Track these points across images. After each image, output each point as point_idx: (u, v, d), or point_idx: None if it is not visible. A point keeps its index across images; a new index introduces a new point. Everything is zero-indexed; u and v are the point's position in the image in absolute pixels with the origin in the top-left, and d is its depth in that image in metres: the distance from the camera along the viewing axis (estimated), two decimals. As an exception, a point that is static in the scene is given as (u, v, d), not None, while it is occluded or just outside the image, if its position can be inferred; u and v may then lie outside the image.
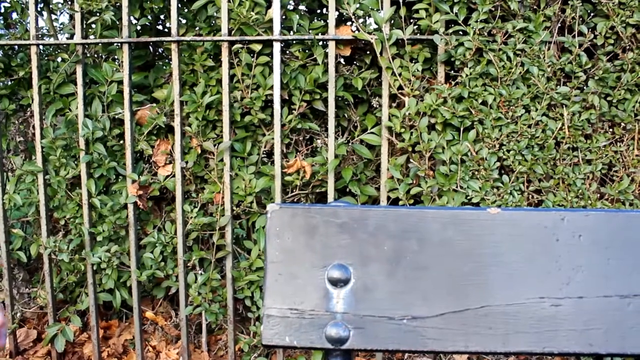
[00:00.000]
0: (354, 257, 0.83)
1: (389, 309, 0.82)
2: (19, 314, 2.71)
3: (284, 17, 2.31)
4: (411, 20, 2.28)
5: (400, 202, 2.22)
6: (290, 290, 0.83)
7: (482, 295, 0.82)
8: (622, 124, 2.15)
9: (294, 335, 0.82)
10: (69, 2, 2.65)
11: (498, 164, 2.15)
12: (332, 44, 2.24)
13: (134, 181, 2.39)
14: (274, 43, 2.25)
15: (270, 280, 0.83)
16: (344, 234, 0.83)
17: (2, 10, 2.61)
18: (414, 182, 2.23)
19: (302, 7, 2.54)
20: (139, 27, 2.57)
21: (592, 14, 2.16)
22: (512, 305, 0.82)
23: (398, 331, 0.81)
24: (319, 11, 2.54)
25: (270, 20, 2.27)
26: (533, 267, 0.83)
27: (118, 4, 2.37)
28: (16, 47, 2.58)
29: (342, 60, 2.43)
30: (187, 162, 2.39)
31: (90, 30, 2.56)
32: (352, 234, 0.83)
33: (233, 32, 2.30)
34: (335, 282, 0.82)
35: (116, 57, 2.59)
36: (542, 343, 0.81)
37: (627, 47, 2.12)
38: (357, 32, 2.23)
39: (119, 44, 2.42)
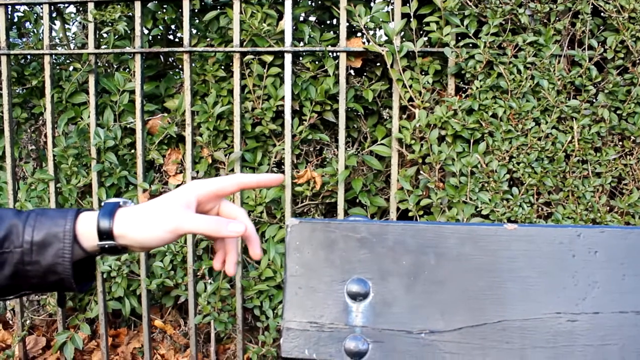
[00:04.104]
0: (373, 271, 0.84)
1: (408, 323, 0.83)
2: (28, 322, 2.72)
3: (295, 28, 2.33)
4: (422, 33, 2.29)
5: (410, 214, 2.23)
6: (310, 304, 0.83)
7: (499, 310, 0.83)
8: (632, 137, 2.16)
9: (313, 348, 0.83)
10: (82, 12, 2.68)
11: (508, 176, 2.16)
12: (343, 56, 2.26)
13: (144, 190, 2.41)
14: (285, 54, 2.27)
15: (290, 293, 0.84)
16: (363, 249, 0.84)
17: (16, 20, 2.64)
18: (424, 193, 2.24)
19: (312, 19, 2.56)
20: (150, 37, 2.59)
21: (602, 28, 2.17)
22: (529, 320, 0.82)
23: (416, 345, 0.82)
24: (329, 22, 2.56)
25: (282, 32, 2.29)
26: (549, 283, 0.84)
27: (130, 14, 2.40)
28: (29, 56, 2.61)
29: (352, 71, 2.45)
30: (197, 172, 2.40)
31: (102, 40, 2.58)
32: (371, 249, 0.84)
33: (245, 43, 2.32)
34: (355, 296, 0.83)
35: (128, 66, 2.62)
36: (559, 358, 0.82)
37: (637, 61, 2.13)
38: (368, 44, 2.25)
39: (131, 54, 2.44)
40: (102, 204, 0.85)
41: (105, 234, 0.82)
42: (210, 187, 0.87)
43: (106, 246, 0.82)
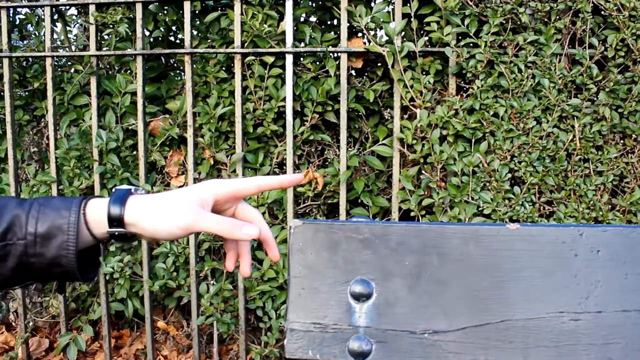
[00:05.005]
0: (375, 272, 0.84)
1: (411, 323, 0.83)
2: (31, 323, 2.73)
3: (296, 29, 2.33)
4: (422, 33, 2.29)
5: (412, 214, 2.23)
6: (313, 305, 0.84)
7: (502, 310, 0.83)
8: (633, 136, 2.16)
9: (316, 349, 0.83)
10: (83, 14, 2.68)
11: (509, 175, 2.16)
12: (344, 56, 2.26)
13: (147, 192, 2.41)
14: (287, 55, 2.27)
15: (293, 294, 0.84)
16: (366, 250, 0.84)
17: (17, 22, 2.65)
18: (426, 193, 2.24)
19: (313, 19, 2.56)
20: (151, 39, 2.60)
21: (602, 27, 2.17)
22: (532, 319, 0.82)
23: (419, 345, 0.82)
24: (329, 23, 2.56)
25: (283, 33, 2.30)
26: (552, 282, 0.84)
27: (132, 16, 2.40)
28: (30, 58, 2.61)
29: (353, 72, 2.45)
30: (199, 173, 2.40)
31: (103, 42, 2.59)
32: (374, 250, 0.84)
33: (246, 44, 2.32)
34: (358, 297, 0.83)
35: (129, 68, 2.62)
36: (562, 357, 0.82)
37: (638, 59, 2.13)
38: (368, 44, 2.25)
39: (133, 56, 2.44)
40: (114, 189, 0.84)
41: (115, 221, 0.80)
42: (230, 187, 0.87)
43: (116, 233, 0.81)
